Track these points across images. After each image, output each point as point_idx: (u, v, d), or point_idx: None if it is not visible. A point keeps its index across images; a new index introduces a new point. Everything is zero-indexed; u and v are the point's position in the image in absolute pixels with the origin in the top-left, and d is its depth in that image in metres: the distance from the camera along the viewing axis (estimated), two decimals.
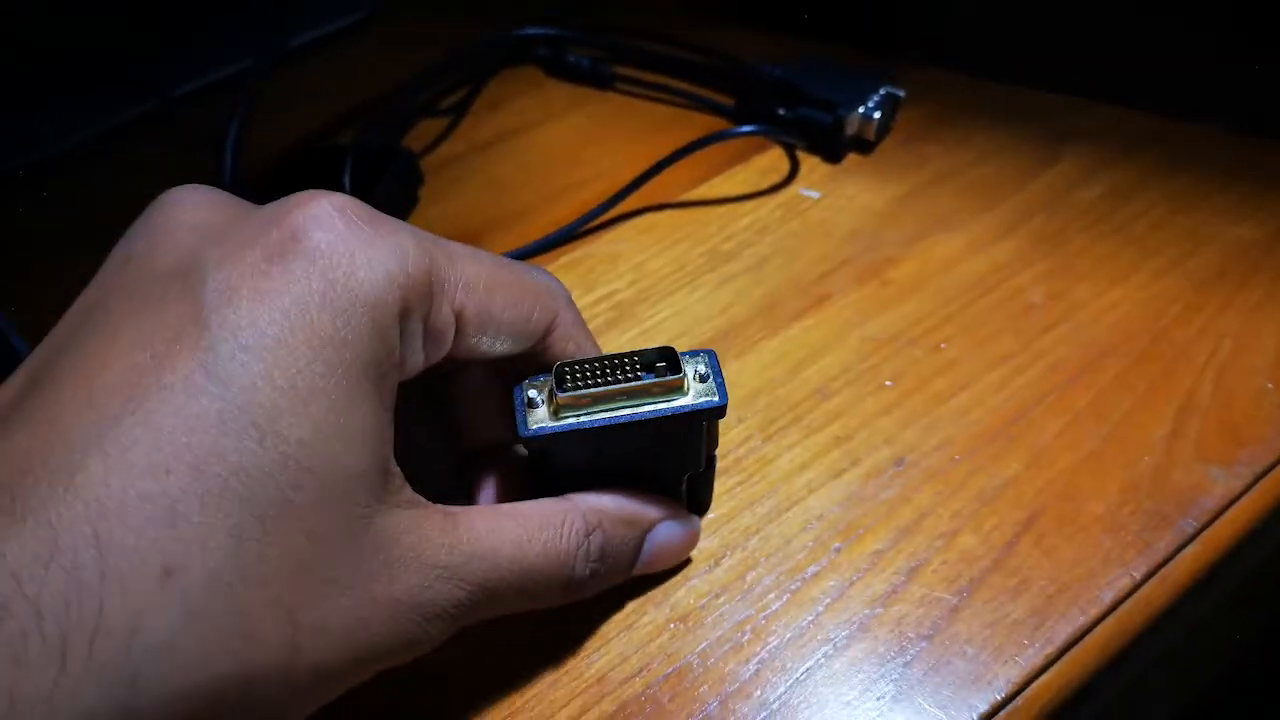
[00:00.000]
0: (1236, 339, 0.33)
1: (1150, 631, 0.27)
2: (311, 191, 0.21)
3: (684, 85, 0.45)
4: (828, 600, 0.28)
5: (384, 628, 0.20)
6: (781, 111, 0.41)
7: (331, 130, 0.45)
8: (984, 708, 0.25)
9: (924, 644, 0.26)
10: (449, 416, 0.28)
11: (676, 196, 0.40)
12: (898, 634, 0.27)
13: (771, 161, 0.41)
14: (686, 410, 0.25)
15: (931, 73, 0.45)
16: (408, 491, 0.21)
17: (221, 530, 0.18)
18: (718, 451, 0.28)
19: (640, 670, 0.26)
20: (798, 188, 0.40)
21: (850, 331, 0.35)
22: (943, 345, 0.34)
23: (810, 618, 0.27)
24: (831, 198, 0.40)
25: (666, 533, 0.27)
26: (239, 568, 0.18)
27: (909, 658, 0.26)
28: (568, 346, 0.26)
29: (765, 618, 0.27)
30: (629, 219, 0.40)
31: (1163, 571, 0.28)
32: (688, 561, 0.29)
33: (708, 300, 0.36)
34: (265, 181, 0.41)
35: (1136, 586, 0.27)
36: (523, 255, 0.38)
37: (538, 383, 0.26)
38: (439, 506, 0.22)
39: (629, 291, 0.37)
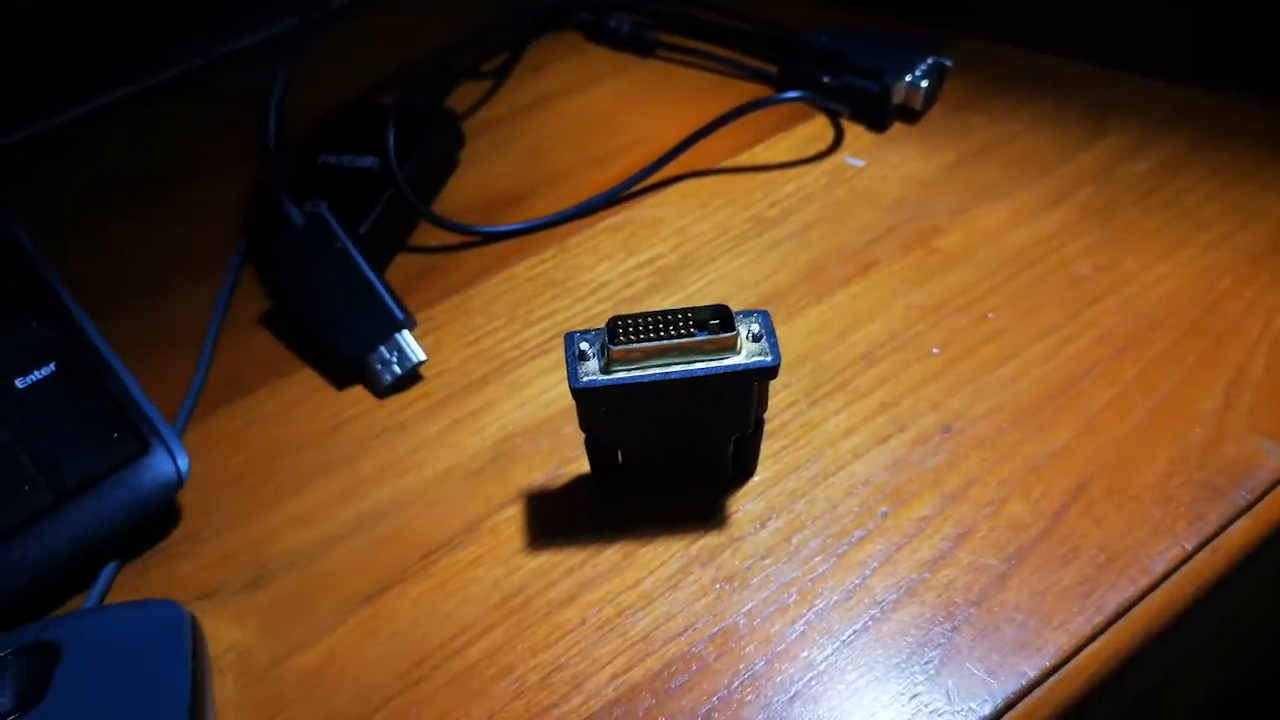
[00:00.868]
0: None
1: (1200, 603, 0.27)
2: None
3: (727, 52, 0.45)
4: (875, 564, 0.27)
5: None
6: (826, 79, 0.41)
7: (374, 91, 0.44)
8: (1033, 674, 0.25)
9: (972, 609, 0.26)
10: None
11: (719, 162, 0.40)
12: (946, 599, 0.26)
13: (816, 129, 0.41)
14: (739, 369, 0.25)
15: (977, 42, 0.44)
16: None
17: None
18: (764, 415, 0.28)
19: (686, 629, 0.26)
20: (842, 155, 0.40)
21: (896, 299, 0.34)
22: (990, 314, 0.33)
23: (857, 581, 0.27)
24: (876, 166, 0.39)
25: None
26: None
27: (957, 623, 0.26)
28: None
29: (812, 580, 0.27)
30: (671, 184, 0.39)
31: (1214, 543, 0.27)
32: (733, 522, 0.28)
33: (752, 266, 0.36)
34: (308, 140, 0.41)
35: (1187, 557, 0.27)
36: (565, 219, 0.38)
37: (589, 335, 0.26)
38: None
39: (672, 256, 0.36)
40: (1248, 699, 0.42)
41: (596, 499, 0.29)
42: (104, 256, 0.38)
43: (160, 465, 0.29)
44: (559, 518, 0.29)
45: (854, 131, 0.41)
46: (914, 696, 0.25)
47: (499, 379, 0.33)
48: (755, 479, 0.29)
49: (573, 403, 0.26)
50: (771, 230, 0.37)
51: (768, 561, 0.28)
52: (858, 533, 0.28)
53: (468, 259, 0.37)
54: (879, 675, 0.25)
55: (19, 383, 0.29)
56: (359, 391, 0.33)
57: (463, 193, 0.40)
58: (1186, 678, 0.36)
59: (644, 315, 0.25)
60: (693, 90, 0.44)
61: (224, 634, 0.27)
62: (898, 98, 0.40)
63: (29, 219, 0.35)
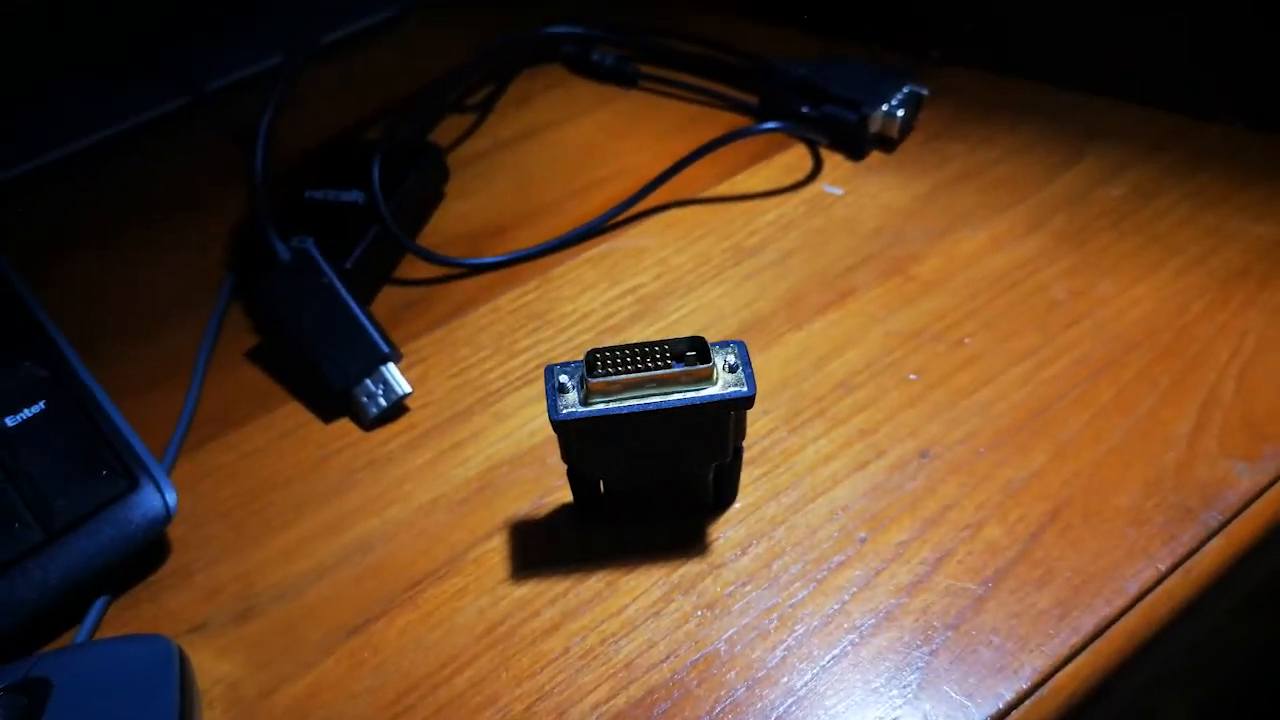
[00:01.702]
0: (1259, 335, 0.33)
1: (1175, 624, 0.27)
2: None
3: (707, 83, 0.46)
4: (854, 589, 0.28)
5: None
6: (805, 109, 0.42)
7: (361, 125, 0.45)
8: (1010, 696, 0.25)
9: (949, 633, 0.27)
10: None
11: (700, 192, 0.41)
12: (923, 623, 0.27)
13: (794, 159, 0.42)
14: (715, 399, 0.25)
15: (955, 71, 0.45)
16: None
17: None
18: (745, 440, 0.29)
19: (668, 656, 0.27)
20: (821, 184, 0.40)
21: (874, 326, 0.35)
22: (966, 340, 0.34)
23: (836, 606, 0.27)
24: (855, 195, 0.40)
25: None
26: None
27: (934, 646, 0.26)
28: None
29: (792, 605, 0.28)
30: (653, 214, 0.40)
31: (1188, 564, 0.28)
32: (714, 549, 0.29)
33: (732, 294, 0.36)
34: (295, 175, 0.41)
35: (1161, 578, 0.27)
36: (548, 250, 0.38)
37: (569, 368, 0.26)
38: None
39: (654, 285, 0.37)
40: (1227, 716, 0.42)
41: (579, 528, 0.30)
42: (92, 292, 0.39)
43: (149, 501, 0.29)
44: (543, 547, 0.29)
45: (833, 160, 0.41)
46: None
47: (484, 410, 0.33)
48: (736, 506, 0.30)
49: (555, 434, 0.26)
50: (751, 259, 0.37)
51: (748, 588, 0.28)
52: (837, 558, 0.28)
53: (453, 291, 0.38)
54: (858, 700, 0.26)
55: (9, 421, 0.30)
56: (346, 424, 0.33)
57: (448, 225, 0.41)
58: (1166, 698, 0.37)
59: (622, 348, 0.26)
60: (675, 121, 0.45)
61: (213, 667, 0.28)
62: (874, 127, 0.41)
63: (16, 255, 0.36)
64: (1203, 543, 0.28)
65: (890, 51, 0.46)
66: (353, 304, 0.34)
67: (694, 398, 0.25)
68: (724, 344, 0.26)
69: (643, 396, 0.26)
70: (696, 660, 0.27)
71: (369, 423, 0.33)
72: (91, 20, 0.49)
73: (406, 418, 0.33)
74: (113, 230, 0.42)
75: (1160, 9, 0.45)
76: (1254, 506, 0.29)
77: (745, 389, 0.26)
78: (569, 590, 0.28)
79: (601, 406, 0.25)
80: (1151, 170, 0.40)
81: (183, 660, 0.26)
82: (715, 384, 0.26)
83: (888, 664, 0.26)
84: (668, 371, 0.25)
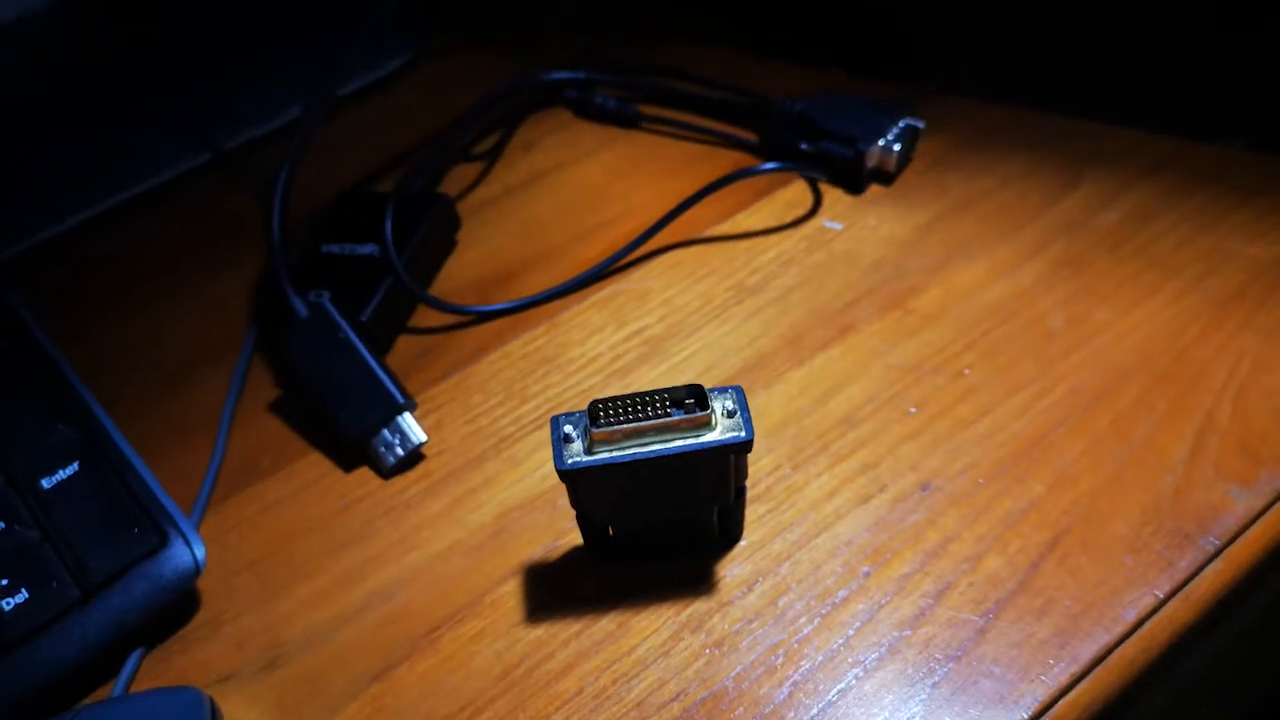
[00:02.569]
0: (1255, 358, 0.34)
1: (1176, 650, 0.28)
2: None
3: (708, 122, 0.47)
4: (858, 624, 0.29)
5: None
6: (804, 146, 0.43)
7: (372, 177, 0.46)
8: None
9: (951, 665, 0.27)
10: None
11: (703, 232, 0.42)
12: (926, 656, 0.28)
13: (795, 195, 0.43)
14: (714, 445, 0.26)
15: (951, 101, 0.46)
16: None
17: None
18: (749, 480, 0.29)
19: (678, 695, 0.28)
20: (821, 220, 0.41)
21: (875, 360, 0.36)
22: (966, 371, 0.35)
23: (841, 641, 0.28)
24: (854, 229, 0.41)
25: None
26: None
27: (937, 679, 0.27)
28: None
29: (797, 641, 0.28)
30: (657, 255, 0.41)
31: (1186, 589, 0.28)
32: (721, 587, 0.30)
33: (735, 333, 0.37)
34: (312, 228, 0.42)
35: (1160, 605, 0.28)
36: (556, 295, 0.39)
37: (573, 418, 0.27)
38: None
39: (659, 327, 0.38)
40: None
41: (590, 569, 0.31)
42: (118, 350, 0.40)
43: (179, 557, 0.31)
44: (555, 589, 0.31)
45: (832, 195, 0.42)
46: None
47: (497, 455, 0.34)
48: (742, 544, 0.31)
49: None
50: (753, 297, 0.38)
51: (755, 625, 0.29)
52: (841, 593, 0.29)
53: (465, 338, 0.39)
54: None
55: (45, 484, 0.31)
56: (365, 472, 0.35)
57: (461, 272, 0.42)
58: None
59: (623, 398, 0.27)
60: (677, 160, 0.46)
61: (242, 715, 0.29)
62: (872, 161, 0.42)
63: (45, 317, 0.37)
64: (1200, 568, 0.29)
65: (888, 83, 0.47)
66: (368, 356, 0.35)
67: (694, 444, 0.26)
68: (722, 389, 0.27)
69: (645, 444, 0.27)
70: (705, 698, 0.27)
71: (387, 471, 0.34)
72: (104, 82, 0.51)
73: (423, 465, 0.35)
74: (136, 289, 0.43)
75: (1152, 33, 0.45)
76: (1251, 530, 0.29)
77: (743, 434, 0.27)
78: (582, 631, 0.29)
79: (605, 455, 0.27)
80: (1148, 193, 0.41)
81: (214, 710, 0.27)
82: (714, 429, 0.27)
83: (892, 697, 0.27)
84: (668, 419, 0.27)
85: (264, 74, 0.51)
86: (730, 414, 0.27)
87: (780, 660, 0.28)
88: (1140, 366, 0.34)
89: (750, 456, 0.28)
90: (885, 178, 0.42)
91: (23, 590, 0.29)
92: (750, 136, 0.45)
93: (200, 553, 0.31)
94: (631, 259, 0.41)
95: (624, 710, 0.27)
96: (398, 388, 0.35)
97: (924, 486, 0.32)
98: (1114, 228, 0.39)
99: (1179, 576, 0.29)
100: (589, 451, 0.27)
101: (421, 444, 0.34)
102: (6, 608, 0.29)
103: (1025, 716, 0.26)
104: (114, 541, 0.30)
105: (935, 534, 0.30)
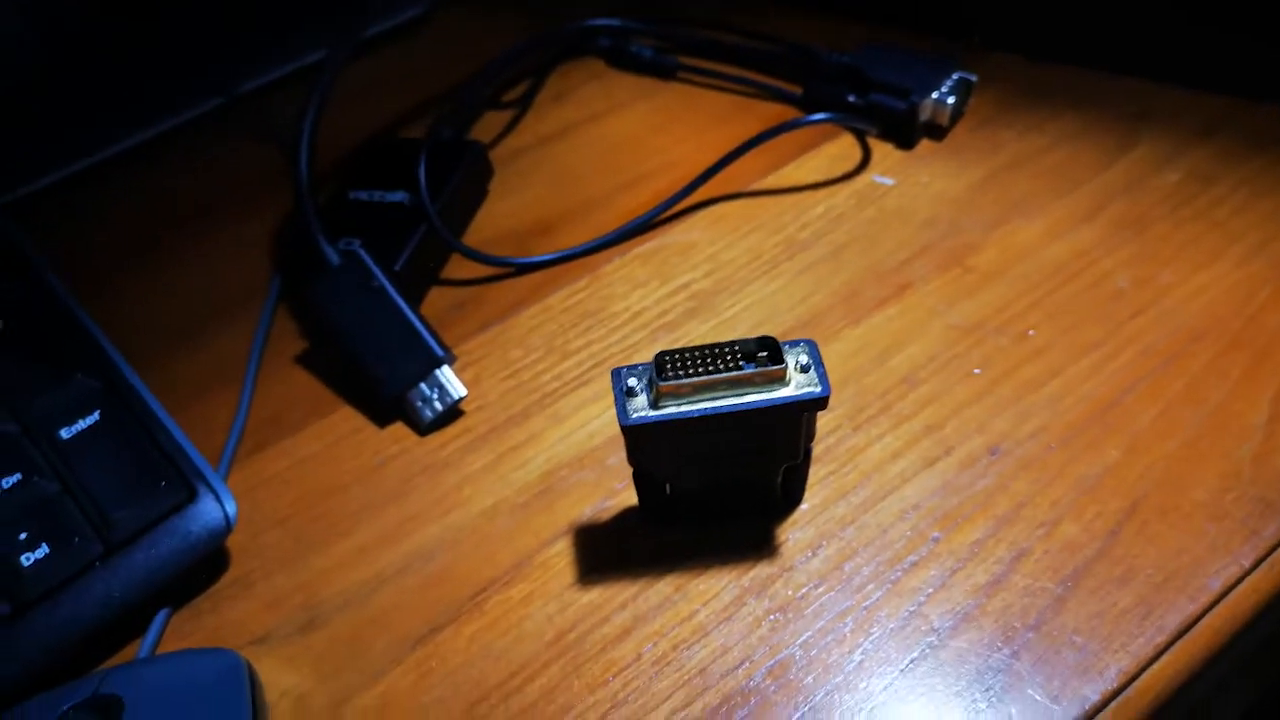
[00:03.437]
0: None
1: (1259, 620, 0.27)
2: None
3: (749, 74, 0.45)
4: (929, 590, 0.27)
5: None
6: (852, 98, 0.41)
7: (399, 123, 0.45)
8: (1095, 698, 0.25)
9: (1031, 634, 0.26)
10: None
11: (747, 185, 0.40)
12: (1003, 624, 0.26)
13: (842, 149, 0.41)
14: (790, 401, 0.25)
15: (997, 57, 0.44)
16: None
17: None
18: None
19: (742, 661, 0.26)
20: (870, 175, 0.40)
21: (934, 319, 0.34)
22: (1030, 332, 0.33)
23: (912, 608, 0.27)
24: (906, 184, 0.39)
25: None
26: None
27: (1016, 648, 0.26)
28: None
29: (866, 608, 0.27)
30: (700, 209, 0.39)
31: (1272, 558, 0.27)
32: (784, 551, 0.28)
33: (787, 289, 0.36)
34: (337, 175, 0.41)
35: (1245, 574, 0.27)
36: (597, 248, 0.38)
37: (637, 370, 0.26)
38: None
39: (706, 282, 0.36)
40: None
41: (645, 531, 0.29)
42: (137, 299, 0.39)
43: (209, 512, 0.29)
44: (608, 551, 0.29)
45: (881, 150, 0.41)
46: None
47: (540, 412, 0.33)
48: (804, 507, 0.29)
49: (615, 433, 0.26)
50: (804, 253, 0.37)
51: (821, 590, 0.27)
52: (910, 558, 0.28)
53: (502, 291, 0.37)
54: (940, 704, 0.25)
55: (64, 434, 0.29)
56: (401, 429, 0.33)
57: (494, 223, 0.40)
58: (1232, 689, 0.36)
59: (691, 350, 0.25)
60: (717, 113, 0.44)
61: (279, 679, 0.27)
62: (924, 115, 0.40)
63: (60, 266, 0.35)
64: None
65: (930, 37, 0.45)
66: (405, 307, 0.33)
67: (769, 399, 0.25)
68: (794, 343, 0.26)
69: (714, 399, 0.25)
70: (772, 666, 0.26)
71: (425, 427, 0.33)
72: (119, 23, 0.49)
73: (462, 421, 0.33)
74: (154, 236, 0.41)
75: None
76: None
77: (819, 389, 0.25)
78: (637, 595, 0.28)
79: (673, 410, 0.25)
80: (1205, 155, 0.39)
81: (251, 673, 0.26)
82: (788, 385, 0.25)
83: (969, 667, 0.26)
84: (740, 373, 0.25)
85: (274, 19, 0.49)
86: (804, 369, 0.25)
87: (849, 628, 0.27)
88: (1211, 330, 0.33)
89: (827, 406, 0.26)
90: (937, 132, 0.41)
91: (43, 545, 0.27)
92: (793, 88, 0.44)
93: (231, 508, 0.29)
94: (674, 212, 0.39)
95: (686, 677, 0.26)
96: (435, 340, 0.33)
97: (993, 450, 0.30)
98: (1173, 190, 0.38)
99: (1263, 545, 0.27)
100: (655, 405, 0.25)
101: (461, 398, 0.32)
102: (25, 563, 0.27)
103: (1110, 687, 0.25)
104: (139, 495, 0.29)
105: (1006, 499, 0.29)
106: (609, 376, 0.28)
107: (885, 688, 0.25)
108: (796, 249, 0.37)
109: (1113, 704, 0.25)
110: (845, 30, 0.46)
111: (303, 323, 0.37)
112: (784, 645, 0.26)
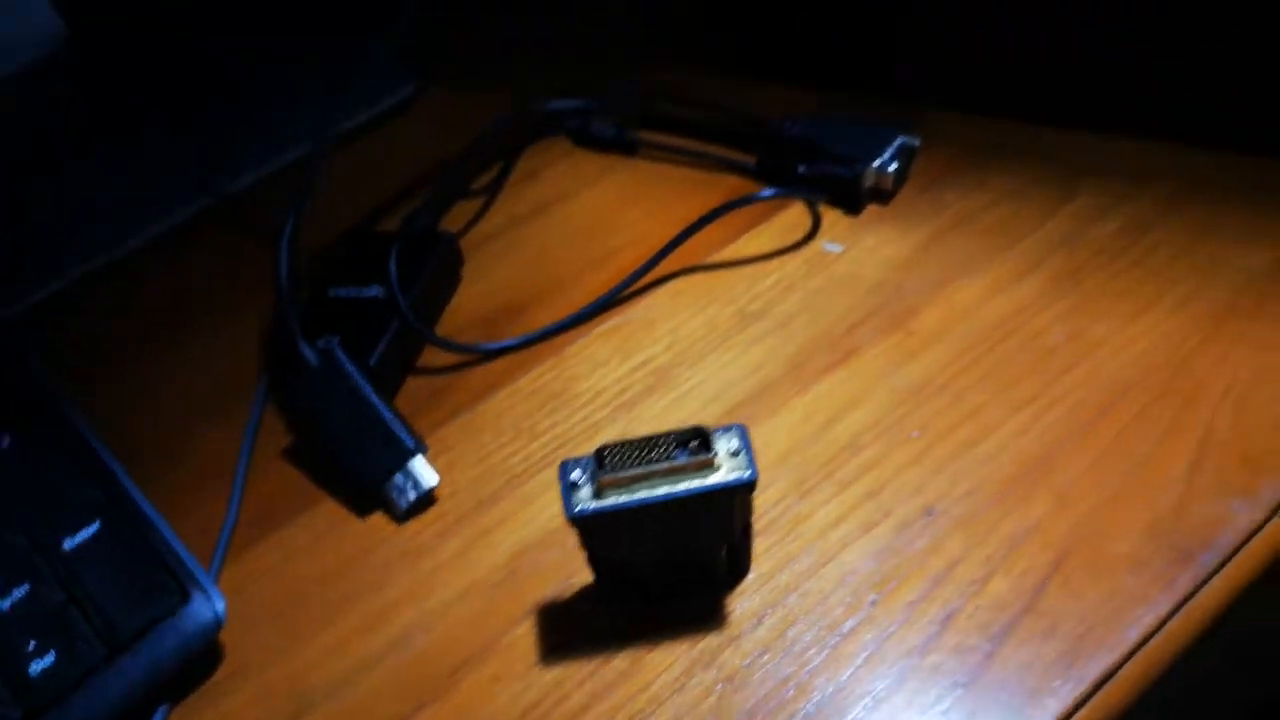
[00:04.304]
0: (1254, 368, 0.34)
1: (1176, 666, 0.28)
2: None
3: (706, 146, 0.47)
4: (866, 653, 0.29)
5: None
6: (801, 169, 0.43)
7: (375, 215, 0.47)
8: None
9: (960, 691, 0.28)
10: None
11: (705, 258, 0.42)
12: (935, 683, 0.28)
13: (794, 218, 0.43)
14: (719, 488, 0.27)
15: (947, 117, 0.46)
16: None
17: None
18: (755, 511, 0.30)
19: None
20: (820, 243, 0.42)
21: (878, 384, 0.36)
22: (967, 392, 0.35)
23: (850, 671, 0.29)
24: (854, 250, 0.41)
25: None
26: None
27: (946, 706, 0.28)
28: None
29: (808, 674, 0.29)
30: (661, 284, 0.41)
31: (1186, 607, 0.29)
32: (731, 621, 0.30)
33: (739, 361, 0.38)
34: (318, 270, 0.43)
35: (1162, 623, 0.29)
36: (560, 329, 0.40)
37: (581, 463, 0.28)
38: None
39: (665, 357, 0.39)
40: None
41: (602, 608, 0.31)
42: (130, 402, 0.41)
43: (201, 612, 0.31)
44: (570, 629, 0.31)
45: (831, 217, 0.43)
46: None
47: (509, 494, 0.35)
48: (750, 576, 0.31)
49: None
50: (756, 324, 0.39)
51: (766, 658, 0.29)
52: (849, 623, 0.30)
53: (473, 377, 0.39)
54: None
55: (67, 544, 0.32)
56: (380, 516, 0.35)
57: (468, 307, 0.42)
58: None
59: (629, 443, 0.28)
60: (679, 186, 0.46)
61: None
62: (869, 181, 0.42)
63: (56, 373, 0.38)
64: (1201, 584, 0.29)
65: (884, 100, 0.47)
66: (378, 403, 0.36)
67: (700, 486, 0.27)
68: (726, 429, 0.28)
69: (651, 488, 0.27)
70: None
71: (401, 515, 0.35)
72: (102, 127, 0.52)
73: (436, 507, 0.35)
74: (145, 340, 0.44)
75: (1141, 35, 0.45)
76: (1250, 544, 0.30)
77: (747, 474, 0.27)
78: (596, 671, 0.30)
79: (614, 500, 0.27)
80: (1144, 204, 0.41)
81: None
82: (719, 470, 0.27)
83: None
84: (673, 464, 0.27)
85: (260, 116, 0.52)
86: (734, 454, 0.27)
87: (791, 693, 0.29)
88: (1141, 380, 0.34)
89: (756, 488, 0.28)
90: (883, 197, 0.43)
91: (50, 653, 0.30)
92: (748, 159, 0.46)
93: (220, 606, 0.32)
94: (635, 289, 0.41)
95: None
96: (408, 432, 0.35)
97: (928, 511, 0.32)
98: (1110, 240, 0.40)
99: (1179, 594, 0.29)
100: (597, 496, 0.27)
101: (433, 487, 0.35)
102: (34, 671, 0.30)
103: None
104: (138, 599, 0.31)
105: (940, 559, 0.31)
106: None
107: None
108: (749, 320, 0.39)
109: None
110: (799, 98, 0.48)
111: (288, 419, 0.39)
112: (731, 714, 0.28)
